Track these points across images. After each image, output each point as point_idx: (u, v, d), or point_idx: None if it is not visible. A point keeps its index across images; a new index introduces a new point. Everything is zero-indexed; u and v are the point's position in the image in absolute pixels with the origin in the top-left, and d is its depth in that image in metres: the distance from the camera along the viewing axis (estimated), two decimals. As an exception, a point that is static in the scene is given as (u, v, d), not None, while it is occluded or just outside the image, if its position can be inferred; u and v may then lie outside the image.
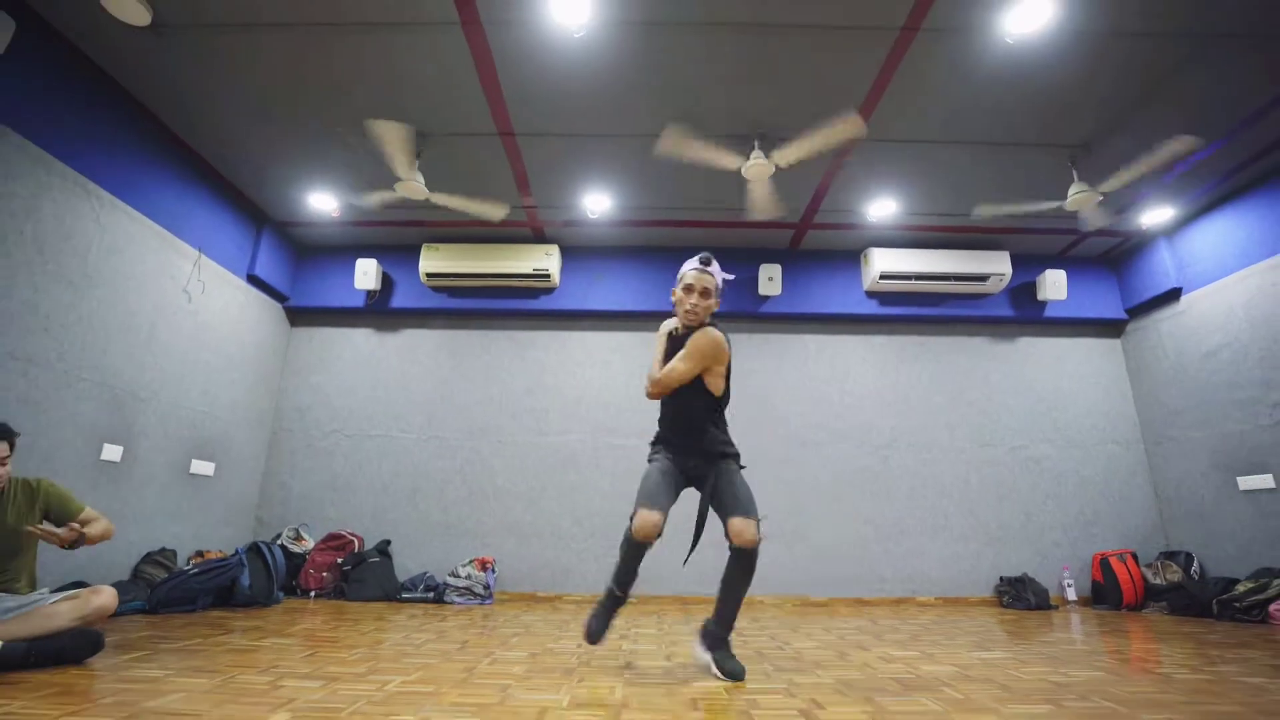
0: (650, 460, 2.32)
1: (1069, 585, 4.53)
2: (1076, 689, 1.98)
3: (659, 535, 2.11)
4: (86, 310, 3.31)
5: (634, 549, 2.15)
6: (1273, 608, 3.58)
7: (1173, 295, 4.74)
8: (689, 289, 2.25)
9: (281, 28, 3.01)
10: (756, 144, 3.69)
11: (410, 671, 2.12)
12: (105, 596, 2.20)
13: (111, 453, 3.45)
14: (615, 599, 2.21)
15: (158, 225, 3.83)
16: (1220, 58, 3.10)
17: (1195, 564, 4.29)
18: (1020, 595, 4.33)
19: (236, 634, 2.78)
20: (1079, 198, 3.86)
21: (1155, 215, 4.56)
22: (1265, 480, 3.99)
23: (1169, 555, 4.44)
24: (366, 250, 5.21)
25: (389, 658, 2.36)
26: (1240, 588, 3.78)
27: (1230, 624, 3.63)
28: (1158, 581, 4.24)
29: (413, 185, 3.86)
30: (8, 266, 2.90)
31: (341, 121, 3.67)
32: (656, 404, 2.37)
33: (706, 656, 2.17)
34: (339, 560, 4.43)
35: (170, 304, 3.94)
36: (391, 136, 3.48)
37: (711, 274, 2.26)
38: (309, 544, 4.59)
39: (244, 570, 3.73)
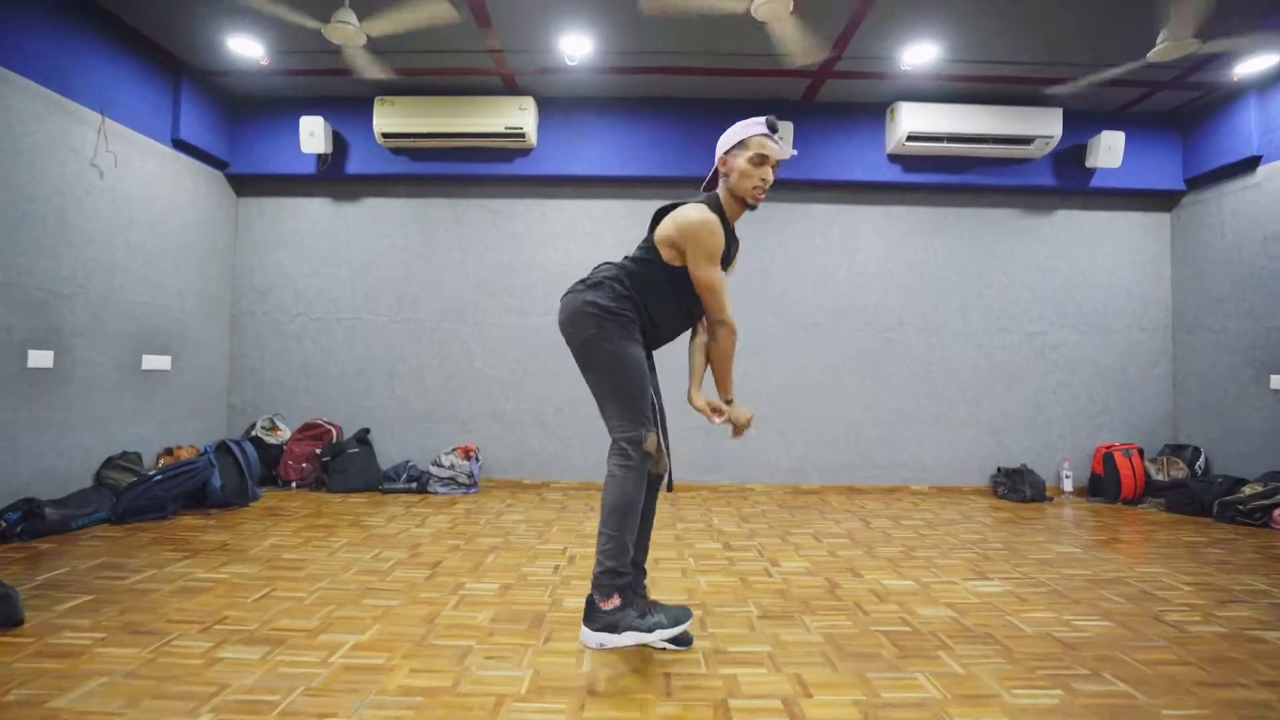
0: (626, 344, 1.77)
1: (1067, 477, 4.44)
2: (1084, 654, 1.83)
3: None
4: (-36, 198, 2.78)
5: (643, 482, 1.73)
6: (1278, 513, 3.47)
7: (1249, 165, 4.08)
8: (762, 160, 1.74)
9: None
10: (773, -29, 2.88)
11: (365, 625, 1.97)
12: None
13: (40, 359, 3.12)
14: (620, 575, 1.69)
15: (41, 86, 3.14)
16: None
17: (1202, 460, 4.15)
18: (1016, 487, 4.24)
19: (201, 555, 2.66)
20: (1168, 46, 3.12)
21: (1251, 64, 3.77)
22: (1302, 380, 3.70)
23: (1176, 449, 4.29)
24: (311, 105, 4.44)
25: (349, 597, 2.22)
26: (1246, 490, 3.64)
27: (1230, 526, 3.54)
28: (1160, 477, 4.12)
29: (342, 29, 3.11)
30: None
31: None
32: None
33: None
34: (317, 451, 4.30)
35: (77, 183, 3.37)
36: None
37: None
38: (285, 434, 4.44)
39: (213, 471, 3.57)
